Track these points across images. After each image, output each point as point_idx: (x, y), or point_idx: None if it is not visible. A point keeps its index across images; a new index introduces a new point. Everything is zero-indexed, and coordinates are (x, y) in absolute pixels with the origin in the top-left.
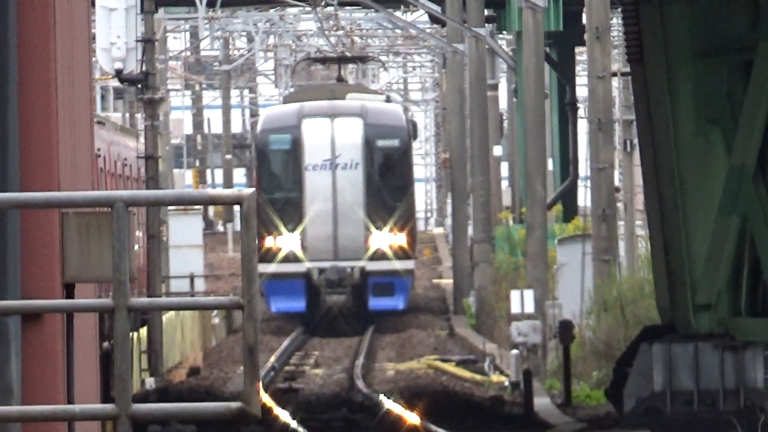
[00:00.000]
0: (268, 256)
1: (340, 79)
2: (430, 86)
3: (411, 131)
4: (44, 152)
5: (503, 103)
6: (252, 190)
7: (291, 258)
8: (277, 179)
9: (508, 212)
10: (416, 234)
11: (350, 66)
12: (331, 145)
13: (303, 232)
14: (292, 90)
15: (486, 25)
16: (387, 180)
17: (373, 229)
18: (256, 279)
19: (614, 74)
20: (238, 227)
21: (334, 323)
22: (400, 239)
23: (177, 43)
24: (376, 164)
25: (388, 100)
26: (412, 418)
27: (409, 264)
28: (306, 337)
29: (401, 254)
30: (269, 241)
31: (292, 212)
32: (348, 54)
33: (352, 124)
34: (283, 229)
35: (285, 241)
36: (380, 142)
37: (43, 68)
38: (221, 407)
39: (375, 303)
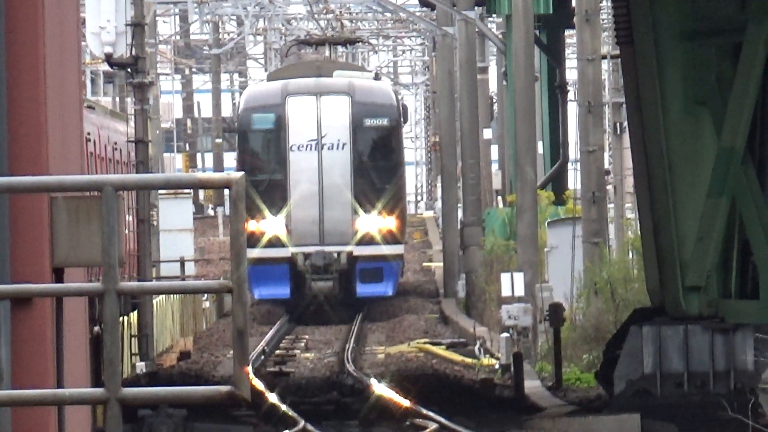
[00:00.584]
0: (252, 241)
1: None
2: (420, 70)
3: (401, 110)
4: (33, 136)
5: (493, 86)
6: (241, 174)
7: (275, 242)
8: (260, 160)
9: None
10: (406, 217)
11: (340, 49)
12: (317, 124)
13: (288, 215)
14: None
15: (476, 8)
16: (375, 161)
17: (360, 212)
18: (245, 263)
19: (604, 57)
20: (228, 211)
21: (319, 311)
22: (389, 223)
23: (167, 27)
24: (364, 144)
25: (377, 77)
26: (403, 401)
27: (398, 249)
28: (293, 324)
29: (390, 238)
30: (252, 225)
31: (277, 195)
32: (337, 36)
33: (339, 102)
34: (267, 212)
35: (269, 225)
36: (368, 122)
37: (32, 52)
38: (211, 391)
39: (363, 289)
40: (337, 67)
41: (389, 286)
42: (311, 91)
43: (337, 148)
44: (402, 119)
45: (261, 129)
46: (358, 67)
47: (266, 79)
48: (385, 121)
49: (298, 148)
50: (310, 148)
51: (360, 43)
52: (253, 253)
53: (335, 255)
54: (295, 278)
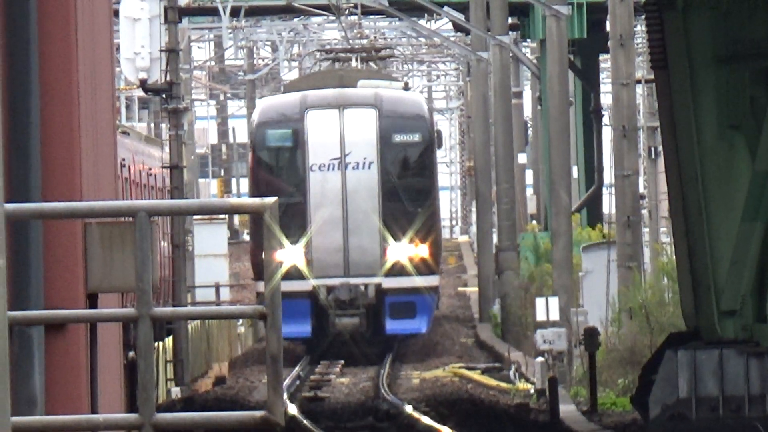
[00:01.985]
0: (268, 272)
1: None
2: (455, 94)
3: (434, 124)
4: (66, 162)
5: (527, 111)
6: (274, 199)
7: (294, 274)
8: (276, 181)
9: (534, 225)
10: (441, 244)
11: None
12: (341, 140)
13: (308, 243)
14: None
15: (510, 33)
16: (406, 181)
17: (390, 239)
18: (279, 288)
19: (638, 81)
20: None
21: (344, 351)
22: (422, 251)
23: (201, 52)
24: (393, 163)
25: (407, 87)
26: (438, 426)
27: (432, 280)
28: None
29: (423, 269)
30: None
31: (295, 220)
32: (366, 46)
33: (364, 115)
34: (284, 240)
35: (287, 255)
36: (398, 137)
37: (65, 78)
38: (245, 416)
39: (393, 326)
40: (361, 76)
41: (423, 322)
42: (333, 104)
43: (363, 168)
44: (435, 136)
45: (277, 146)
46: (385, 75)
47: (282, 91)
48: (416, 137)
49: (319, 167)
50: (333, 168)
51: (391, 58)
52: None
53: (362, 288)
54: (317, 314)
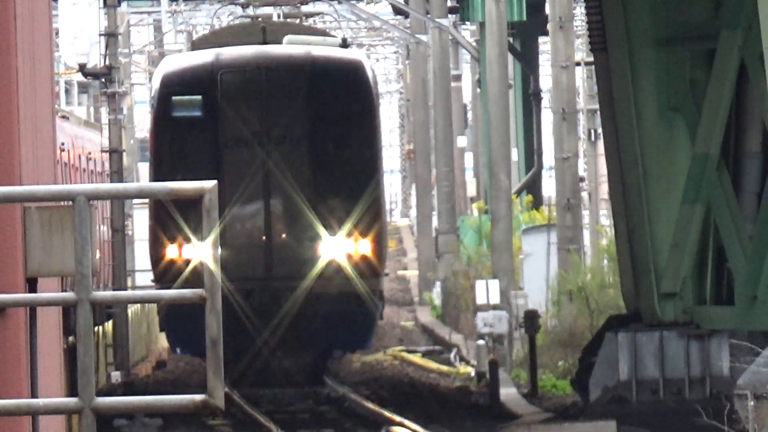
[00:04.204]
0: (171, 273)
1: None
2: (394, 78)
3: (377, 91)
4: (5, 147)
5: (467, 94)
6: (214, 183)
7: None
8: (182, 161)
9: (481, 203)
10: (386, 238)
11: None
12: (262, 110)
13: (221, 237)
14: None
15: (449, 15)
16: (344, 161)
17: (323, 232)
18: (218, 271)
19: (578, 64)
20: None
21: (267, 371)
22: (364, 247)
23: (141, 36)
24: (327, 138)
25: (345, 44)
26: (379, 410)
27: (376, 283)
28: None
29: (366, 269)
30: (171, 251)
31: None
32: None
33: (292, 79)
34: (191, 233)
35: (194, 251)
36: (334, 106)
37: (3, 63)
38: (185, 400)
39: (327, 339)
40: (289, 30)
41: (365, 336)
42: (253, 64)
43: (291, 143)
44: (378, 104)
45: (183, 117)
46: (318, 30)
47: (190, 48)
48: (356, 105)
49: (236, 143)
50: (252, 144)
51: (321, 16)
52: (172, 291)
53: (288, 293)
54: (232, 325)
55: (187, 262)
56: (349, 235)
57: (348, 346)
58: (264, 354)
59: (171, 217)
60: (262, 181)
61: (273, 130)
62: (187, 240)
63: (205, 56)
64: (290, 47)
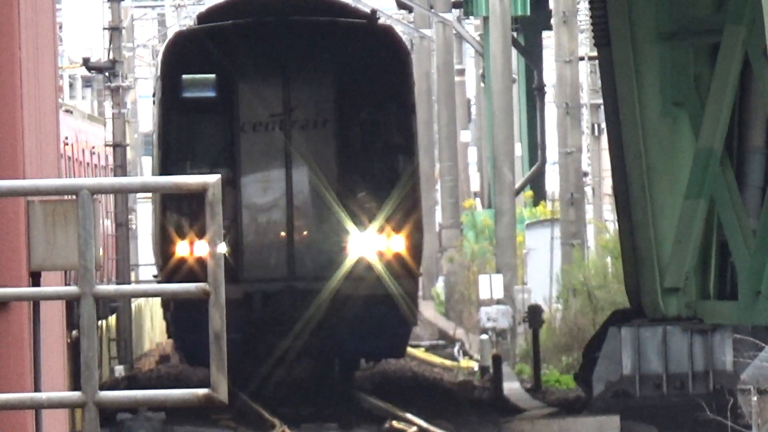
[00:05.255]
0: (181, 272)
1: None
2: None
3: (411, 70)
4: (8, 140)
5: (471, 89)
6: (217, 177)
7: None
8: (194, 147)
9: (471, 201)
10: (422, 234)
11: None
12: (284, 91)
13: (237, 233)
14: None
15: (453, 10)
16: (375, 148)
17: (351, 227)
18: (222, 265)
19: (581, 58)
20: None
21: (287, 383)
22: (397, 243)
23: (145, 30)
24: (357, 123)
25: (374, 17)
26: (383, 404)
27: (411, 285)
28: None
29: (399, 269)
30: (182, 249)
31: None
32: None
33: (317, 57)
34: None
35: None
36: (364, 82)
37: (7, 57)
38: (188, 394)
39: (356, 347)
40: (312, 3)
41: (398, 344)
42: (273, 37)
43: (315, 127)
44: (414, 84)
45: (195, 98)
46: (343, 4)
47: (195, 22)
48: (388, 87)
49: (254, 127)
50: (273, 128)
51: None
52: (175, 285)
53: (312, 295)
54: (250, 330)
55: (199, 260)
56: (381, 230)
57: (378, 355)
58: (285, 364)
59: (181, 212)
60: (284, 169)
61: (295, 112)
62: (200, 236)
63: (218, 30)
64: (314, 20)
